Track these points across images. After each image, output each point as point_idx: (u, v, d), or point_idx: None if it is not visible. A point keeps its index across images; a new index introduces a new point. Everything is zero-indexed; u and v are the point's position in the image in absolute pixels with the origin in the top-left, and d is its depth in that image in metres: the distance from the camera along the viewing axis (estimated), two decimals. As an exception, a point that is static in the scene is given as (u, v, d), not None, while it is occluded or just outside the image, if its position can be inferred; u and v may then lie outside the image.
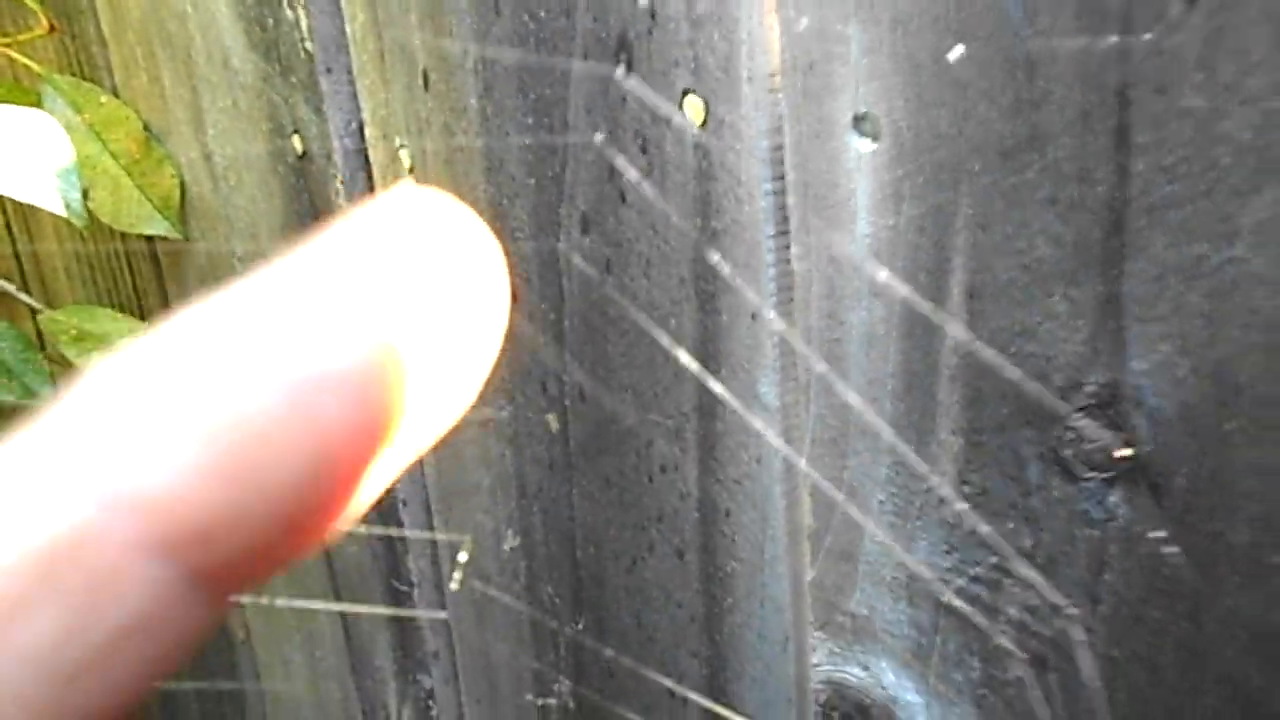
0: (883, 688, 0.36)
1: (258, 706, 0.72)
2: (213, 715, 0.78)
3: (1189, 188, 0.25)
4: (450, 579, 0.48)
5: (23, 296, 0.62)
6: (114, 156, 0.59)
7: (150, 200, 0.59)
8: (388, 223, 0.12)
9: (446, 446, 0.49)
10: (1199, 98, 0.24)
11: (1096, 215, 0.27)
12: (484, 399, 0.46)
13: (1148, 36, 0.25)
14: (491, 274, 0.12)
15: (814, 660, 0.38)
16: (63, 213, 0.48)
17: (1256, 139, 0.24)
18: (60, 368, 0.72)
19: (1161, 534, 0.28)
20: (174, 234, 0.60)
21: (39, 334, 0.82)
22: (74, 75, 0.61)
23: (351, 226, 0.12)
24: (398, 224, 0.12)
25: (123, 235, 0.67)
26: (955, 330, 0.30)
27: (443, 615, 0.54)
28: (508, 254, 0.41)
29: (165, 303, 0.65)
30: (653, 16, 0.34)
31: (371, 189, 0.48)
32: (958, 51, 0.28)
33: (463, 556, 0.39)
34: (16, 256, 0.78)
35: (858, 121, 0.31)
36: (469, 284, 0.12)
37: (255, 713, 0.72)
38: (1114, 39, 0.25)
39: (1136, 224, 0.26)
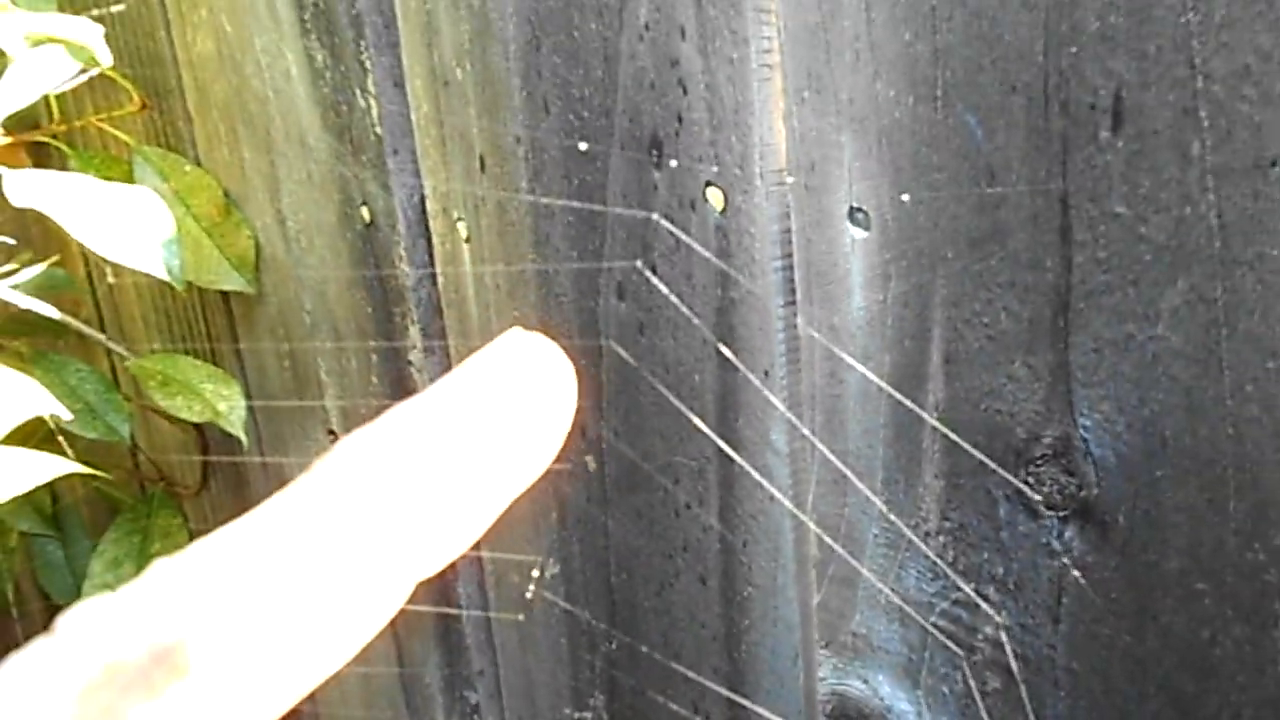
0: (880, 698, 0.41)
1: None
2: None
3: (1119, 278, 0.31)
4: (526, 590, 0.53)
5: (111, 344, 0.68)
6: (196, 219, 0.65)
7: (228, 259, 0.66)
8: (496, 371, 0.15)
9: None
10: (1124, 205, 0.30)
11: (1047, 297, 0.32)
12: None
13: (1082, 154, 0.30)
14: (567, 405, 0.16)
15: (821, 674, 0.43)
16: (166, 278, 0.54)
17: (1170, 240, 0.29)
18: (136, 406, 0.79)
19: (1108, 563, 0.33)
20: (249, 289, 0.66)
21: (114, 375, 0.89)
22: (161, 147, 0.68)
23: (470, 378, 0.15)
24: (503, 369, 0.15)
25: (200, 289, 0.74)
26: (935, 389, 0.36)
27: (486, 636, 0.60)
28: (553, 315, 0.47)
29: (237, 350, 0.71)
30: (680, 120, 0.40)
31: (430, 256, 0.54)
32: (910, 192, 0.33)
33: (536, 573, 0.45)
34: (96, 304, 0.86)
35: (852, 213, 0.36)
36: (548, 412, 0.16)
37: (310, 728, 0.78)
38: (1056, 154, 0.31)
39: (1078, 305, 0.32)
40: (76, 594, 0.83)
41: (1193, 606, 0.32)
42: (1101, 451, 0.32)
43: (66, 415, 0.53)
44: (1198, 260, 0.29)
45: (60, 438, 0.67)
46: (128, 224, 0.50)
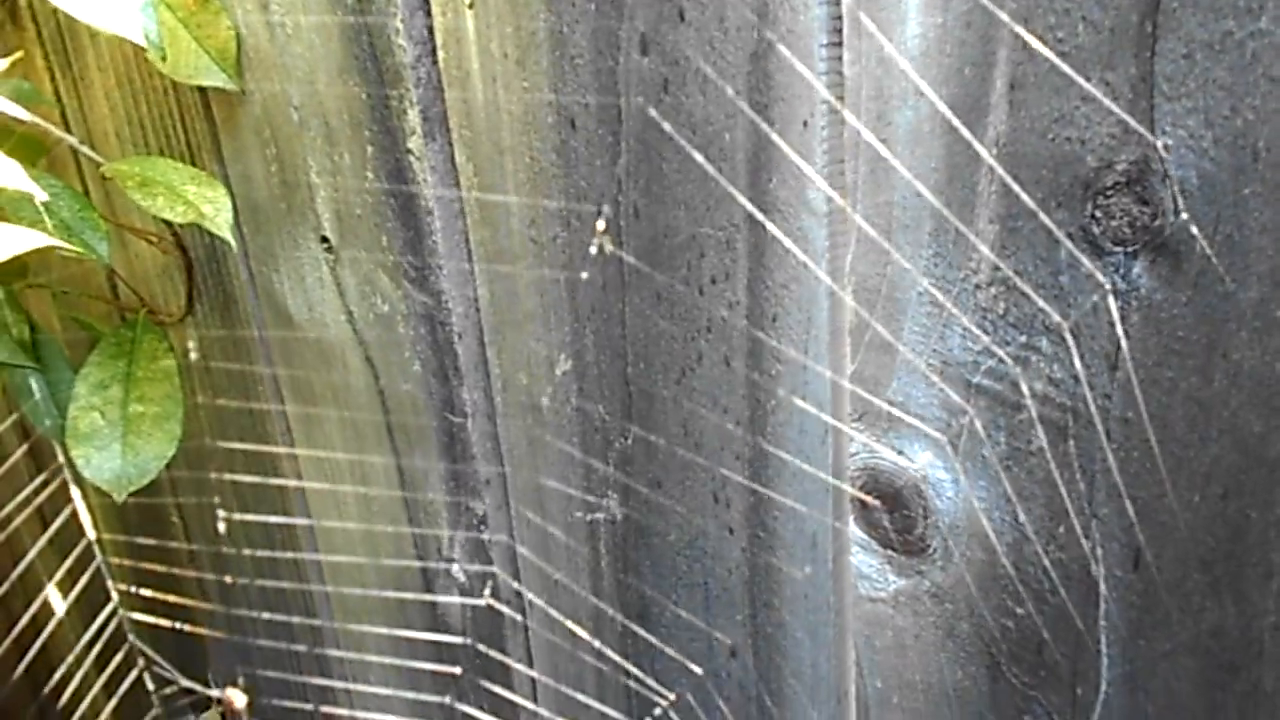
0: (915, 468, 0.40)
1: (308, 538, 0.77)
2: (262, 549, 0.83)
3: (1221, -35, 0.27)
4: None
5: (86, 150, 0.64)
6: (171, 9, 0.61)
7: (207, 52, 0.61)
8: None
9: (503, 279, 0.52)
10: (1234, -123, 0.27)
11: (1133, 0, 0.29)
12: (536, 224, 0.49)
13: None
14: None
15: (852, 450, 0.42)
16: (143, 42, 0.50)
17: (1285, -86, 0.26)
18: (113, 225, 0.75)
19: (1179, 298, 0.31)
20: (231, 85, 0.62)
21: (85, 192, 0.84)
22: (128, -71, 0.63)
23: None
24: None
25: (175, 92, 0.69)
26: (997, 120, 0.33)
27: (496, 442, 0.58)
28: (568, 81, 0.43)
29: (220, 158, 0.67)
30: None
31: (430, 29, 0.50)
32: None
33: (600, 224, 0.42)
34: (66, 123, 0.81)
35: (912, -75, 0.33)
36: None
37: (306, 546, 0.77)
38: None
39: (1170, 5, 0.29)
40: (61, 422, 0.80)
41: (1269, 338, 0.30)
42: (1183, 172, 0.30)
43: (41, 195, 0.49)
44: (1316, -66, 0.26)
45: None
46: (97, -21, 0.46)
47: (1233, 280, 0.30)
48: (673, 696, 0.53)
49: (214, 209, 0.61)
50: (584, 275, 0.48)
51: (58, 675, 1.04)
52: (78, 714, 0.96)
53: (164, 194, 0.61)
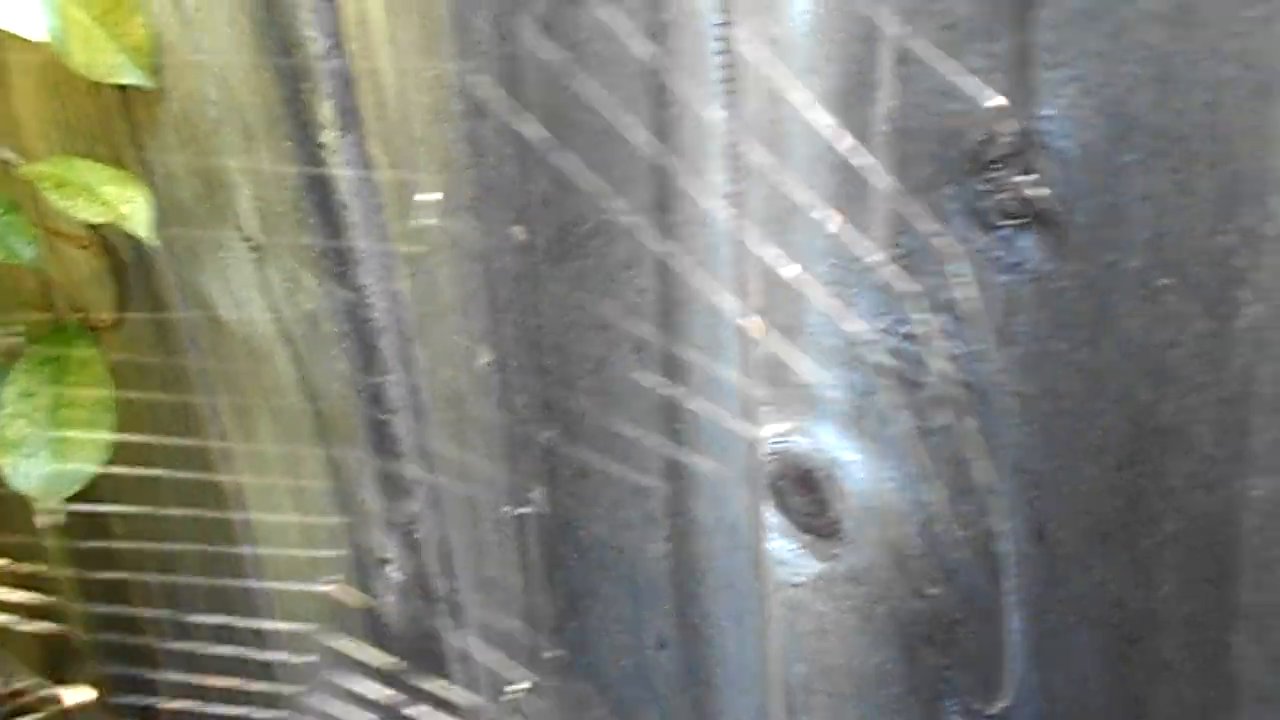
0: (824, 452, 0.39)
1: (245, 535, 0.76)
2: (209, 560, 0.82)
3: (1089, -68, 0.27)
4: (459, 379, 0.50)
5: (5, 151, 0.63)
6: (84, 6, 0.59)
7: (123, 50, 0.60)
8: None
9: (423, 272, 0.52)
10: None
11: (1008, -32, 0.29)
12: (451, 216, 0.48)
13: None
14: None
15: (763, 433, 0.41)
16: (46, 38, 0.49)
17: (1147, -122, 0.26)
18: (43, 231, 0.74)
19: (1066, 270, 0.31)
20: (147, 82, 0.61)
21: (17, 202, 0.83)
22: (38, -75, 0.61)
23: None
24: None
25: (96, 93, 0.68)
26: (885, 97, 0.33)
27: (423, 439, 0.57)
28: (475, 65, 0.43)
29: (141, 158, 0.66)
30: None
31: (337, 15, 0.49)
32: None
33: (419, 197, 0.40)
34: (-10, 125, 0.79)
35: (795, -100, 0.33)
36: None
37: (249, 564, 0.76)
38: None
39: (1043, -27, 0.28)
40: (-8, 431, 0.79)
41: (1153, 306, 0.30)
42: (1064, 143, 0.30)
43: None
44: (1177, -102, 0.26)
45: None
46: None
47: (1115, 250, 0.30)
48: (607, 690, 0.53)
49: (132, 209, 0.60)
50: (498, 265, 0.47)
51: None
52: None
53: (82, 195, 0.60)
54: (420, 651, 0.65)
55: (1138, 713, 0.34)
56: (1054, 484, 0.34)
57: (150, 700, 0.83)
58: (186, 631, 0.83)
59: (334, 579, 0.69)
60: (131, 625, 0.86)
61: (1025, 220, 0.31)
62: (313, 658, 0.69)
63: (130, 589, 0.88)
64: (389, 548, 0.64)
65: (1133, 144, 0.29)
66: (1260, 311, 0.28)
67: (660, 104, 0.38)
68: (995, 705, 0.38)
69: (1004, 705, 0.38)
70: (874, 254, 0.35)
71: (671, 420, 0.44)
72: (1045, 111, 0.30)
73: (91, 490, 0.68)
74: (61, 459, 0.70)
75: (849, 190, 0.35)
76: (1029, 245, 0.31)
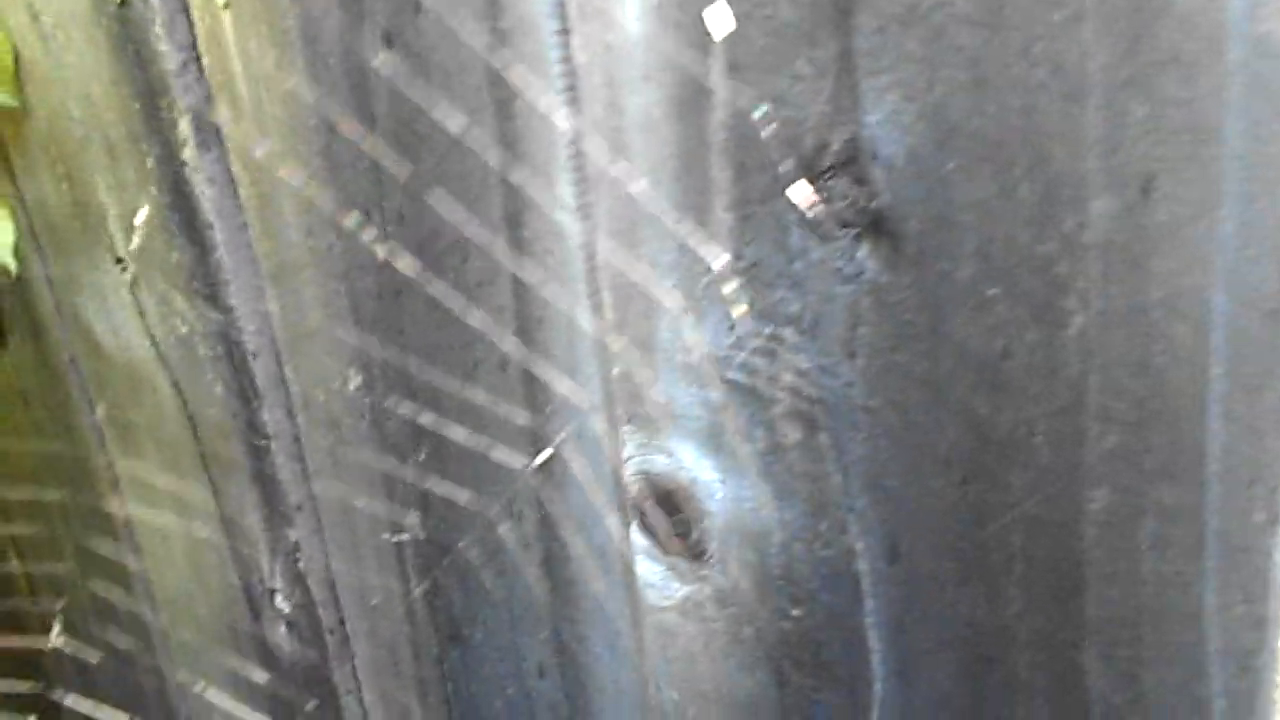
0: (684, 469, 0.38)
1: (141, 584, 0.73)
2: (100, 596, 0.79)
3: (900, -66, 0.27)
4: (333, 406, 0.48)
5: None
6: (-61, 21, 0.57)
7: (-19, 66, 0.58)
8: None
9: (289, 292, 0.50)
10: None
11: (827, -29, 0.28)
12: (313, 234, 0.47)
13: None
14: None
15: (626, 454, 0.40)
16: None
17: (952, -123, 0.25)
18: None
19: (902, 281, 0.30)
20: (12, 102, 0.58)
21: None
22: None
23: None
24: None
25: (-39, 110, 0.65)
26: (720, 104, 0.32)
27: (299, 467, 0.55)
28: (324, 79, 0.41)
29: (13, 178, 0.64)
30: None
31: (191, 29, 0.47)
32: None
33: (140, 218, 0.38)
34: None
35: (621, -97, 0.31)
36: None
37: (140, 589, 0.73)
38: None
39: (860, -24, 0.28)
40: None
41: (986, 316, 0.29)
42: (890, 150, 0.29)
43: None
44: (981, -102, 0.25)
45: None
46: None
47: (947, 259, 0.29)
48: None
49: (-8, 231, 0.57)
50: (361, 285, 0.46)
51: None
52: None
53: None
54: (310, 681, 0.62)
55: (996, 733, 0.33)
56: (905, 500, 0.33)
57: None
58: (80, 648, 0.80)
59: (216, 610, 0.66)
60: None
61: (860, 230, 0.30)
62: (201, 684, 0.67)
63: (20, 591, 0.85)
64: (276, 577, 0.62)
65: (955, 150, 0.28)
66: (1085, 320, 0.27)
67: (506, 115, 0.37)
68: (862, 728, 0.37)
69: (871, 728, 0.37)
70: (719, 267, 0.34)
71: (539, 441, 0.43)
72: (870, 118, 0.29)
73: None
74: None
75: (693, 200, 0.34)
76: (865, 255, 0.31)
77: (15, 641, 0.88)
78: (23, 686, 0.83)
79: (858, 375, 0.32)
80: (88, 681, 0.84)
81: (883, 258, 0.30)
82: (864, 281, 0.31)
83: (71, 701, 0.85)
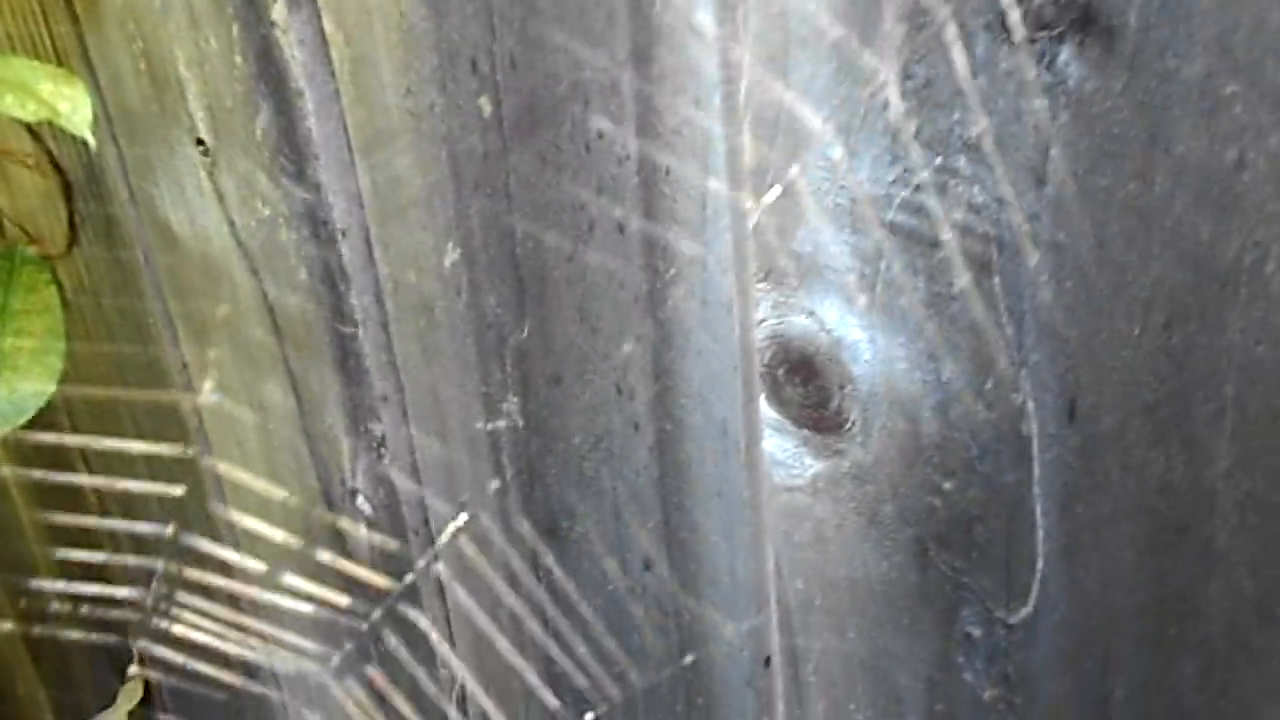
0: (827, 331, 0.35)
1: (214, 482, 0.71)
2: (170, 498, 0.77)
3: None
4: (425, 287, 0.46)
5: (-69, 50, 0.58)
6: (15, -114, 0.54)
7: (58, -67, 0.55)
8: None
9: (383, 162, 0.47)
10: None
11: None
12: (412, 93, 0.44)
13: None
14: None
15: (759, 316, 0.37)
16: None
17: None
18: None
19: (1113, 86, 0.26)
20: (87, -28, 0.56)
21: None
22: None
23: None
24: None
25: (36, -11, 0.63)
26: (898, -107, 0.28)
27: (389, 356, 0.53)
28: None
29: (87, 59, 0.61)
30: None
31: None
32: None
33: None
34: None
35: None
36: None
37: (213, 490, 0.72)
38: None
39: None
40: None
41: (1218, 121, 0.25)
42: (1111, -74, 0.25)
43: None
44: None
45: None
46: None
47: (1174, 54, 0.25)
48: (587, 615, 0.49)
49: (71, 106, 0.55)
50: (464, 147, 0.43)
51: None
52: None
53: (14, 92, 0.55)
54: (394, 594, 0.61)
55: (1183, 611, 0.30)
56: (1090, 351, 0.29)
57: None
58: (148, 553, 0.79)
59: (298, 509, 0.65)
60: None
61: (1064, 29, 0.27)
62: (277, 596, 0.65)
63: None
64: (358, 476, 0.59)
65: (1197, -82, 0.24)
66: (1349, 114, 0.24)
67: (639, -67, 0.33)
68: (1018, 612, 0.34)
69: (1028, 612, 0.34)
70: (884, 89, 0.30)
71: (656, 310, 0.40)
72: (1090, -110, 0.25)
73: (45, 414, 0.63)
74: (8, 389, 0.65)
75: (856, 11, 0.30)
76: (1068, 59, 0.27)
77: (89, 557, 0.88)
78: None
79: (1045, 205, 0.29)
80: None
81: (1090, 61, 0.26)
82: (1063, 92, 0.27)
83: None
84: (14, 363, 0.67)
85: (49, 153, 0.69)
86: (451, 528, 0.55)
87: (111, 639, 0.84)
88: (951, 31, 0.28)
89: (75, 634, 0.86)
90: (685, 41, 0.34)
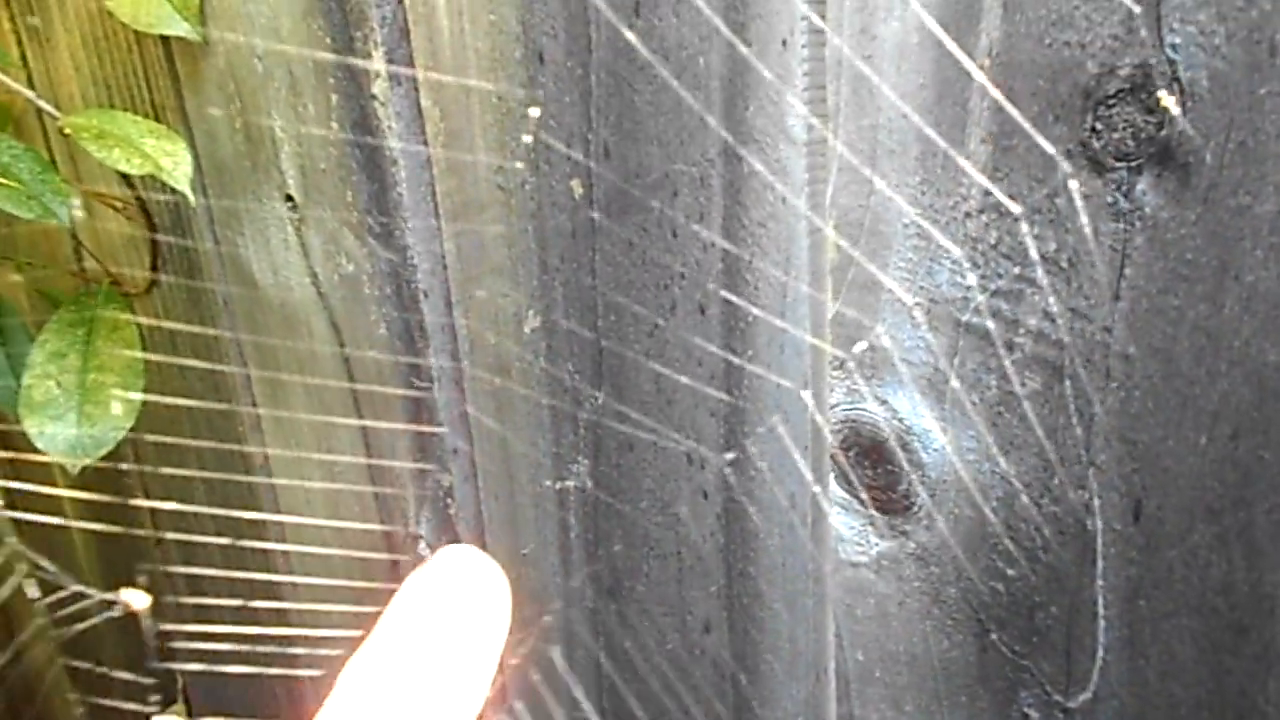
0: (899, 419, 0.37)
1: (276, 530, 0.74)
2: (232, 550, 0.80)
3: None
4: (505, 349, 0.48)
5: (44, 104, 0.62)
6: (132, -45, 0.58)
7: (170, 1, 0.59)
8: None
9: (470, 231, 0.50)
10: None
11: (1140, -120, 0.27)
12: (504, 170, 0.46)
13: None
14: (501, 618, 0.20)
15: (832, 401, 0.39)
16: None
17: None
18: (74, 187, 0.73)
19: (1187, 216, 0.28)
20: (193, 35, 0.59)
21: (52, 160, 0.82)
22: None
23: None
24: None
25: (139, 46, 0.66)
26: (990, 27, 0.30)
27: (464, 410, 0.55)
28: (536, 11, 0.41)
29: (183, 115, 0.65)
30: None
31: (396, -40, 0.47)
32: None
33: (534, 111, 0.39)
34: (30, 81, 0.78)
35: None
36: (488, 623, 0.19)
37: (273, 534, 0.74)
38: None
39: (1180, -116, 0.26)
40: (16, 395, 0.77)
41: (1287, 255, 0.27)
42: (1192, 74, 0.27)
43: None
44: None
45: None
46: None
47: (1246, 193, 0.27)
48: (644, 676, 0.50)
49: (173, 162, 0.58)
50: (553, 223, 0.45)
51: None
52: None
53: (120, 146, 0.59)
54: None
55: (1242, 708, 0.31)
56: (1157, 455, 0.31)
57: (205, 600, 0.81)
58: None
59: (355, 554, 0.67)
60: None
61: (1142, 161, 0.29)
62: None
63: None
64: (422, 523, 0.62)
65: (1272, 74, 0.26)
66: None
67: (736, 40, 0.36)
68: (1077, 698, 0.35)
69: (1086, 698, 0.35)
70: (966, 201, 0.33)
71: (731, 387, 0.42)
72: (1172, 40, 0.27)
73: (118, 451, 0.66)
74: (89, 423, 0.68)
75: (943, 130, 0.32)
76: (1145, 188, 0.29)
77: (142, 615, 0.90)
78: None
79: (1119, 320, 0.31)
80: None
81: (1167, 192, 0.29)
82: (1140, 217, 0.29)
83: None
84: (94, 398, 0.70)
85: (139, 199, 0.73)
86: (512, 576, 0.57)
87: (159, 676, 0.86)
88: (1035, 155, 0.31)
89: (125, 674, 0.89)
90: (776, 143, 0.36)
